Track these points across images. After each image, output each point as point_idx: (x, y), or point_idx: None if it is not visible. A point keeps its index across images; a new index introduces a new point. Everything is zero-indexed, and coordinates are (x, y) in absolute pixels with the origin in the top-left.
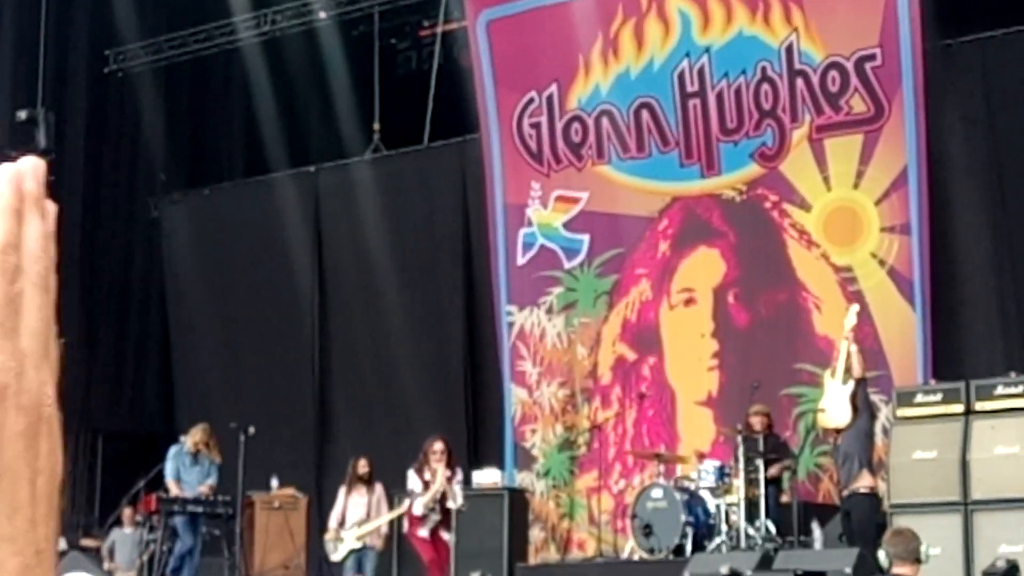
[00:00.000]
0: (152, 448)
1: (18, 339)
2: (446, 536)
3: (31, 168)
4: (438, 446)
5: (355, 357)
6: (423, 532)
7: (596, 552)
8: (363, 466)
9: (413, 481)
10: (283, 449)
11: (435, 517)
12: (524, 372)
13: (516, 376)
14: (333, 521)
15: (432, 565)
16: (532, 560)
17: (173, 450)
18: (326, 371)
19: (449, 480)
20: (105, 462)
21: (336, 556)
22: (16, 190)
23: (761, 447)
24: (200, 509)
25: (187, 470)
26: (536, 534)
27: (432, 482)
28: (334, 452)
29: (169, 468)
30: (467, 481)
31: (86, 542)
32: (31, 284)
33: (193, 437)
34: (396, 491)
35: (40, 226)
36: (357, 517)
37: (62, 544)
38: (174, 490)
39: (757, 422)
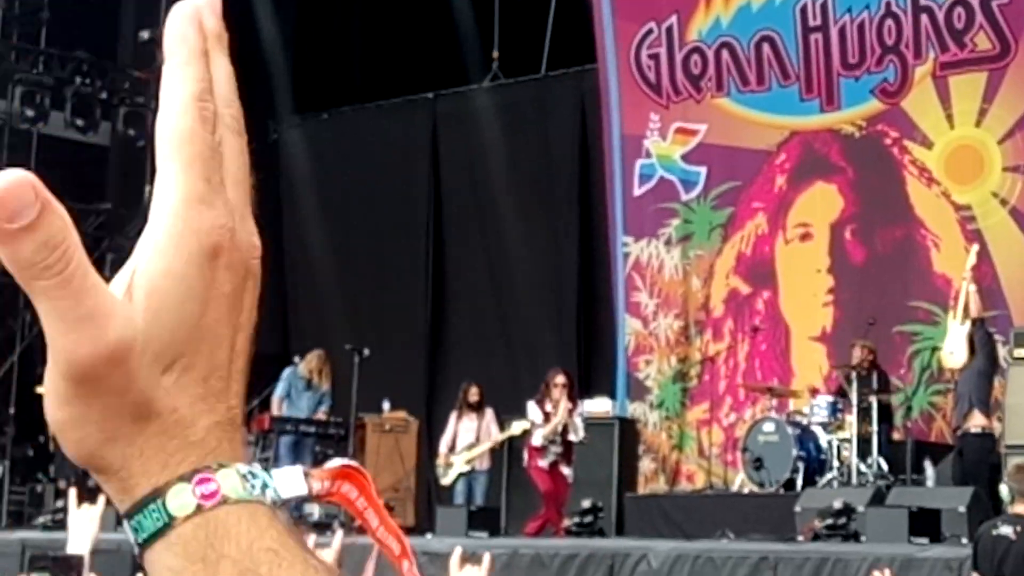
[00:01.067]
0: (265, 368)
1: (224, 192)
2: (566, 471)
3: (208, 2)
4: (560, 379)
5: (469, 284)
6: (543, 463)
7: (705, 484)
8: (474, 394)
9: (534, 412)
10: (395, 373)
11: (555, 449)
12: (639, 303)
13: (631, 307)
14: (443, 446)
15: (548, 497)
16: (641, 490)
17: (287, 371)
18: (439, 297)
19: (571, 413)
20: None
21: (446, 480)
22: (199, 29)
23: (875, 384)
24: (312, 430)
25: (299, 394)
26: (646, 465)
27: (553, 414)
28: (445, 377)
29: (280, 388)
30: None
31: None
32: (227, 129)
33: (308, 364)
34: (506, 417)
35: (227, 65)
36: (467, 443)
37: None
38: (278, 408)
39: (858, 353)
